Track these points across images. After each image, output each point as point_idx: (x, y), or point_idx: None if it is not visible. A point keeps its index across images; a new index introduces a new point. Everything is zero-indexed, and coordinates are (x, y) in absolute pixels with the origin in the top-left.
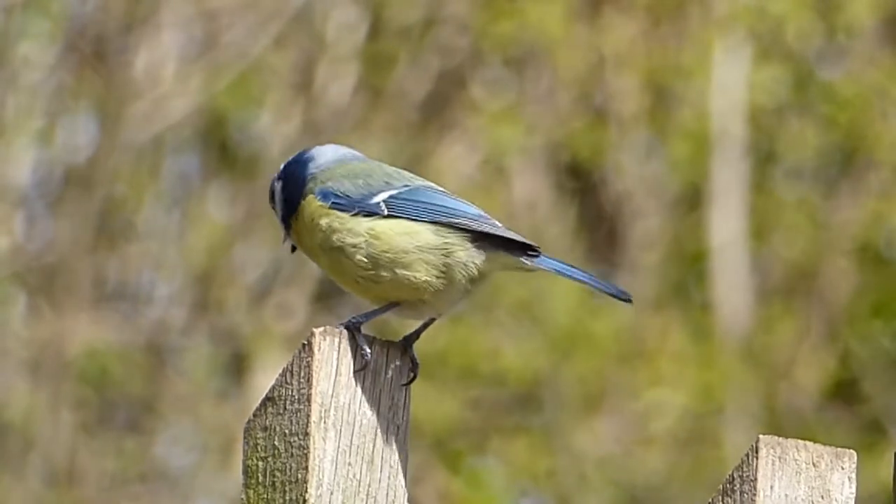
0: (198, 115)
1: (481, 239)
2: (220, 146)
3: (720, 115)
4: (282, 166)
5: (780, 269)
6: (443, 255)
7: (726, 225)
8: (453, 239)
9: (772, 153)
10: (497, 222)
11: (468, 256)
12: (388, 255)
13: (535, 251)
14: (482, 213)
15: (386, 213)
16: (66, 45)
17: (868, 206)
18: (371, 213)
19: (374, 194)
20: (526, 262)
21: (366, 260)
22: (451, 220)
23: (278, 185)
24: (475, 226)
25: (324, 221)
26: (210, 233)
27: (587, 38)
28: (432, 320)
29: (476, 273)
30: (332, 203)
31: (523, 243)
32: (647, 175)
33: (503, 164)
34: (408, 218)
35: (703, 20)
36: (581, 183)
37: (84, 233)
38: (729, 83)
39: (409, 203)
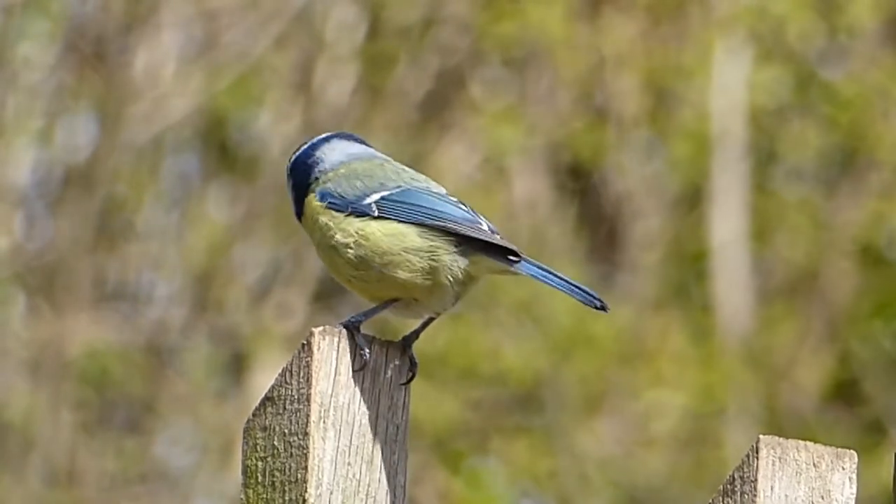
0: (198, 115)
1: (466, 242)
2: (220, 146)
3: (721, 116)
4: (290, 161)
5: (781, 269)
6: (429, 257)
7: (726, 225)
8: (439, 242)
9: (773, 153)
10: (484, 225)
11: (453, 259)
12: (375, 255)
13: (517, 256)
14: (469, 216)
15: (376, 214)
16: (66, 45)
17: (869, 206)
18: (363, 213)
19: (368, 195)
20: (508, 266)
21: (355, 260)
22: (437, 223)
23: (289, 183)
24: (459, 230)
25: (321, 220)
26: (210, 233)
27: (587, 38)
28: (431, 320)
29: (462, 276)
30: (329, 203)
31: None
32: (647, 175)
33: (503, 164)
34: (397, 220)
35: (703, 20)
36: (581, 183)
37: (84, 233)
38: (730, 83)
39: (398, 205)
